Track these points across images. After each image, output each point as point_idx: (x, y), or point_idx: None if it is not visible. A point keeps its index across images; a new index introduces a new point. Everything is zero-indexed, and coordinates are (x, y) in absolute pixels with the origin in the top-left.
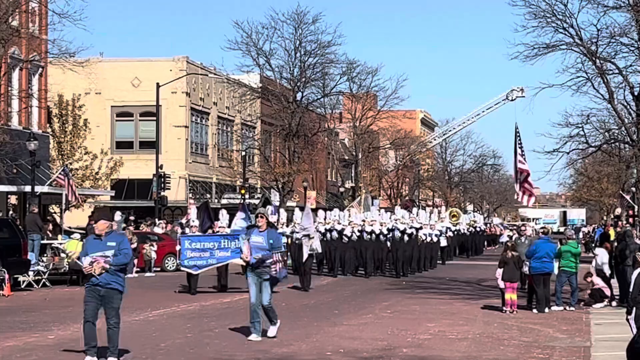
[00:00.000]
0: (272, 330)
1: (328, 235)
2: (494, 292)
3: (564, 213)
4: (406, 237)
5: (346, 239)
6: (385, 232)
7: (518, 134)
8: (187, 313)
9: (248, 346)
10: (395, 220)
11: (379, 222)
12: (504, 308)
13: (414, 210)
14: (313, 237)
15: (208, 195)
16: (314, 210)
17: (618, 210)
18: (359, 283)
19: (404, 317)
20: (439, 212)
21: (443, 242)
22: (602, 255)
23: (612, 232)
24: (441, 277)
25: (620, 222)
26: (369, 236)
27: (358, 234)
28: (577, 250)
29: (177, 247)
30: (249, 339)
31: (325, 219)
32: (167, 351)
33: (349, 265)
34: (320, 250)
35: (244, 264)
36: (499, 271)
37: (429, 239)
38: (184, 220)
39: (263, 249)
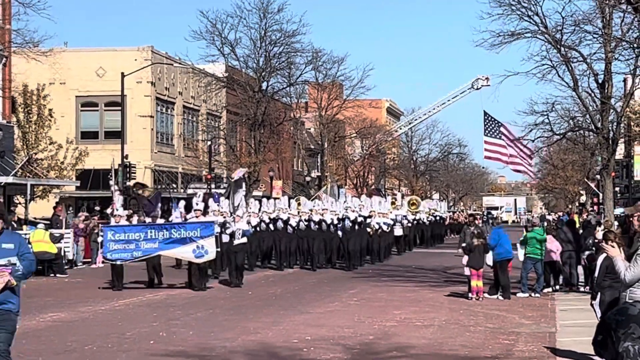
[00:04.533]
0: None
1: (272, 225)
2: (460, 279)
3: (515, 201)
4: (356, 227)
5: (291, 229)
6: (336, 221)
7: (489, 120)
8: (153, 302)
9: (214, 335)
10: (346, 208)
11: (329, 211)
12: (470, 295)
13: (363, 198)
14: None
15: (174, 185)
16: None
17: (583, 198)
18: (308, 275)
19: (370, 305)
20: (394, 200)
21: (398, 231)
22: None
23: (576, 220)
24: (407, 265)
25: (584, 210)
26: (316, 226)
27: (306, 223)
28: (542, 237)
29: (100, 239)
30: None
31: (274, 207)
32: (133, 340)
33: (294, 257)
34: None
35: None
36: (465, 258)
37: (384, 227)
38: (109, 210)
39: None
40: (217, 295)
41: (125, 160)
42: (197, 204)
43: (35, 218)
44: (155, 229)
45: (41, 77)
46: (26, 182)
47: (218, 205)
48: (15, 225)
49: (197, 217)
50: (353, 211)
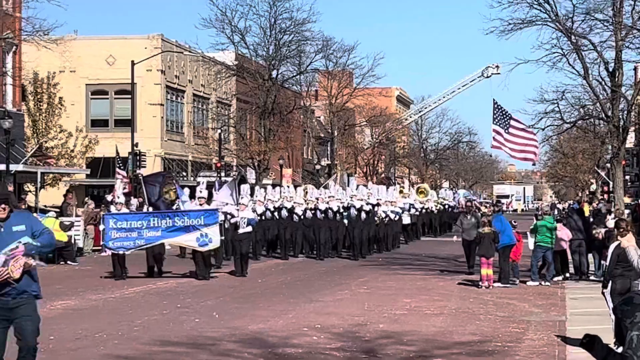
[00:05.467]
0: None
1: (277, 214)
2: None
3: (524, 189)
4: (363, 215)
5: (296, 218)
6: (342, 210)
7: (498, 108)
8: (163, 290)
9: (224, 322)
10: (352, 196)
11: (336, 199)
12: (480, 283)
13: (372, 186)
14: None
15: (184, 174)
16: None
17: (593, 186)
18: (317, 264)
19: (380, 293)
20: (402, 188)
21: (406, 220)
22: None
23: (587, 208)
24: (417, 254)
25: (595, 198)
26: (322, 215)
27: (312, 212)
28: (552, 225)
29: (101, 227)
30: None
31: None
32: (142, 328)
33: (299, 246)
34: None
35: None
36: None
37: (392, 216)
38: (109, 197)
39: None
40: (227, 284)
41: (135, 148)
42: (200, 192)
43: (45, 206)
44: (158, 217)
45: (51, 65)
46: (36, 170)
47: (217, 192)
48: None
49: (200, 205)
50: (359, 199)
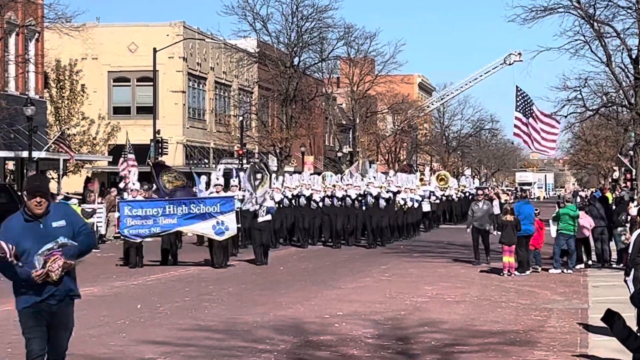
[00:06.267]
0: None
1: (294, 201)
2: (492, 255)
3: (545, 177)
4: (383, 203)
5: (314, 205)
6: (360, 197)
7: (520, 95)
8: (185, 277)
9: (247, 309)
10: (368, 183)
11: (354, 186)
12: (503, 271)
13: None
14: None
15: (206, 161)
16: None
17: (616, 174)
18: (338, 252)
19: (402, 281)
20: (422, 176)
21: (426, 208)
22: (584, 220)
23: (609, 196)
24: (439, 241)
25: (618, 186)
26: (339, 202)
27: (329, 200)
28: (575, 213)
29: (116, 215)
30: None
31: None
32: (165, 314)
33: (317, 234)
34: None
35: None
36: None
37: (409, 204)
38: (122, 185)
39: None
40: (248, 271)
41: (157, 135)
42: (217, 179)
43: (67, 193)
44: (173, 204)
45: (73, 52)
46: (59, 157)
47: (234, 180)
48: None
49: (217, 192)
50: (376, 187)
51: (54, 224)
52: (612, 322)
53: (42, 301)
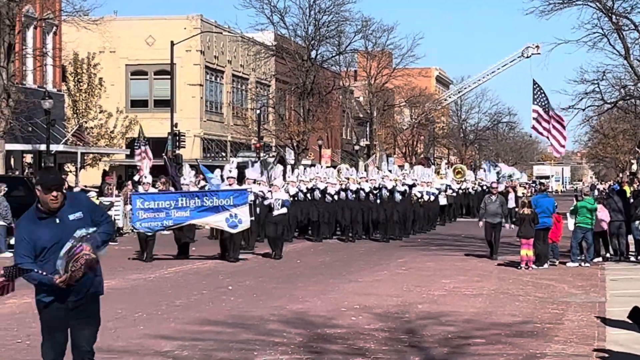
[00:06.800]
0: None
1: (309, 195)
2: (509, 248)
3: (562, 170)
4: (398, 196)
5: (330, 199)
6: (367, 190)
7: (537, 88)
8: (202, 270)
9: (263, 303)
10: (383, 177)
11: (369, 179)
12: (521, 265)
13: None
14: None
15: (223, 154)
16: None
17: (634, 167)
18: (355, 245)
19: (418, 274)
20: (438, 169)
21: (442, 201)
22: (603, 213)
23: (627, 189)
24: (456, 235)
25: (636, 179)
26: (353, 195)
27: (343, 193)
28: (593, 206)
29: (128, 207)
30: None
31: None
32: (182, 308)
33: (331, 227)
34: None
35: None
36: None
37: (426, 197)
38: (136, 177)
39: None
40: (265, 264)
41: (174, 129)
42: (230, 171)
43: (85, 186)
44: (186, 197)
45: (91, 45)
46: (76, 150)
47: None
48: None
49: (230, 184)
50: (391, 180)
51: (71, 217)
52: (638, 319)
53: (63, 301)
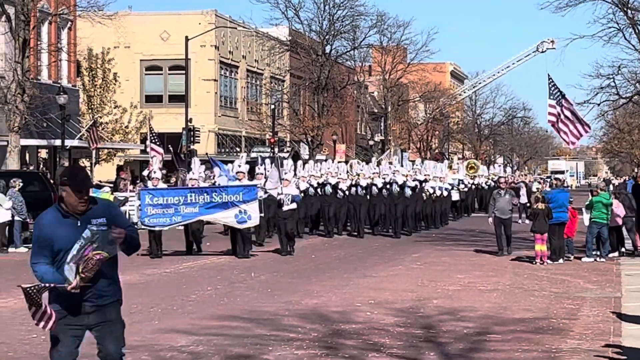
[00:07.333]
0: None
1: (320, 190)
2: (524, 243)
3: (576, 165)
4: (408, 191)
5: (341, 194)
6: (381, 185)
7: (552, 83)
8: (217, 265)
9: (278, 297)
10: (394, 172)
11: (382, 174)
12: (535, 260)
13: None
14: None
15: (237, 149)
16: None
17: None
18: (369, 240)
19: (433, 269)
20: (450, 163)
21: (455, 196)
22: (618, 208)
23: None
24: (471, 229)
25: None
26: (363, 191)
27: (354, 189)
28: (608, 201)
29: (137, 203)
30: None
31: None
32: (197, 302)
33: (342, 222)
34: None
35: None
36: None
37: (438, 192)
38: (145, 172)
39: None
40: (280, 259)
41: (189, 124)
42: (239, 166)
43: (100, 181)
44: (195, 193)
45: (106, 41)
46: (90, 146)
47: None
48: None
49: (239, 180)
50: (403, 175)
51: (93, 221)
52: None
53: (77, 311)
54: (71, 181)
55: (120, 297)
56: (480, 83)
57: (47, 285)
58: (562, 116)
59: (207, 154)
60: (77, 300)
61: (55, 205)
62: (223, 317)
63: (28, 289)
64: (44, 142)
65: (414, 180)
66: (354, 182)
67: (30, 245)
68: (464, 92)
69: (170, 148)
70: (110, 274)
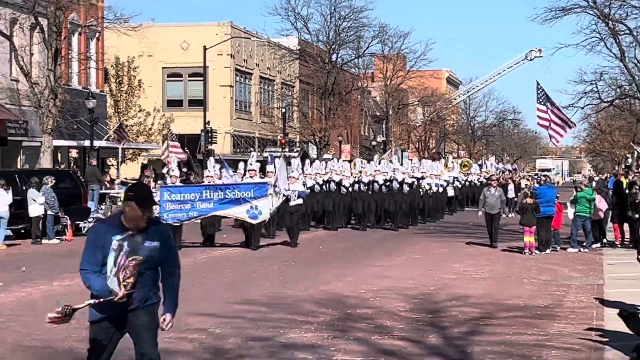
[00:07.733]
0: None
1: (324, 187)
2: (514, 235)
3: (562, 164)
4: (406, 187)
5: (344, 191)
6: (381, 182)
7: (540, 89)
8: (233, 256)
9: (289, 285)
10: (394, 170)
11: (381, 172)
12: (525, 250)
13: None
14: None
15: (251, 149)
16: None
17: (629, 161)
18: (373, 232)
19: (432, 259)
20: (446, 162)
21: (450, 192)
22: (601, 203)
23: (624, 181)
24: (465, 223)
25: (630, 172)
26: (365, 187)
27: (357, 185)
28: (591, 196)
29: (156, 199)
30: None
31: (325, 168)
32: (214, 289)
33: (345, 218)
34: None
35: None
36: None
37: (434, 188)
38: (164, 170)
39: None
40: (290, 250)
41: (207, 126)
42: (251, 164)
43: (126, 179)
44: (210, 190)
45: (131, 50)
46: (117, 145)
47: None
48: (108, 185)
49: (251, 177)
50: (402, 173)
51: (147, 243)
52: (628, 322)
53: (113, 315)
54: (138, 195)
55: (160, 299)
56: (473, 88)
57: (93, 302)
58: (551, 119)
59: (219, 155)
60: (120, 306)
61: (118, 219)
62: (239, 302)
63: (73, 309)
64: (74, 143)
65: (410, 178)
66: (356, 179)
67: (62, 237)
68: (459, 97)
69: (187, 150)
70: (149, 277)
